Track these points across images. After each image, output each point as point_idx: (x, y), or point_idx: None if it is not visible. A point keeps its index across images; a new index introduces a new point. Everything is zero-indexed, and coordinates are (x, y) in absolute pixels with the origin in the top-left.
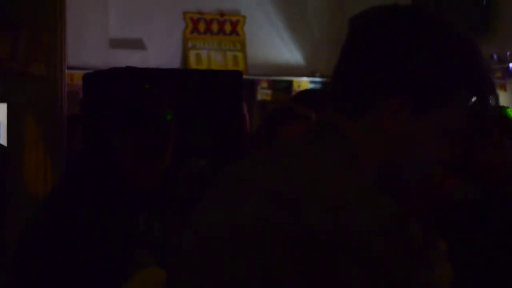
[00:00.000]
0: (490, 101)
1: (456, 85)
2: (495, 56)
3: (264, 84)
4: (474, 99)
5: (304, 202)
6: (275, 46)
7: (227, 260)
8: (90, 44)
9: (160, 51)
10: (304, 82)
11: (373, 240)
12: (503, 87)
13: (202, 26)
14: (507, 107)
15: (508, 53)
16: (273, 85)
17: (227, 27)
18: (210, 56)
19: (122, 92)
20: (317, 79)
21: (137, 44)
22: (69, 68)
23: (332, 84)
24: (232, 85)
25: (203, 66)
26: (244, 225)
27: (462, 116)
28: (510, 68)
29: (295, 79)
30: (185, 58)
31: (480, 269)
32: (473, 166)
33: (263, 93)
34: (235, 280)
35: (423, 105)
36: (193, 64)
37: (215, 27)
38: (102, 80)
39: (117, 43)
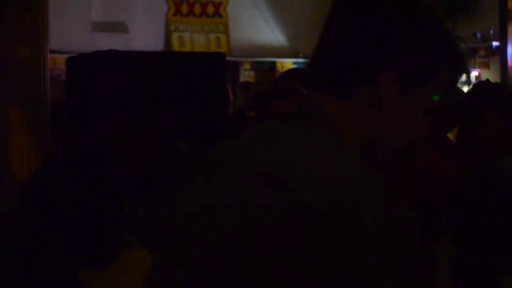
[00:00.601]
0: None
1: (438, 63)
2: (478, 35)
3: (247, 66)
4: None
5: (299, 184)
6: (258, 28)
7: (225, 244)
8: (73, 27)
9: (143, 34)
10: (287, 63)
11: (367, 216)
12: (487, 65)
13: (184, 9)
14: (501, 85)
15: (491, 31)
16: (256, 66)
17: (210, 9)
18: (193, 39)
19: (107, 74)
20: (300, 60)
21: (119, 27)
22: (52, 52)
23: (315, 64)
24: (215, 67)
25: (186, 48)
26: (241, 209)
27: (440, 94)
28: (493, 47)
29: (279, 60)
30: (168, 40)
31: (479, 245)
32: (467, 146)
33: (246, 75)
34: (234, 265)
35: (411, 83)
36: (176, 46)
37: (197, 9)
38: (85, 64)
39: (100, 27)
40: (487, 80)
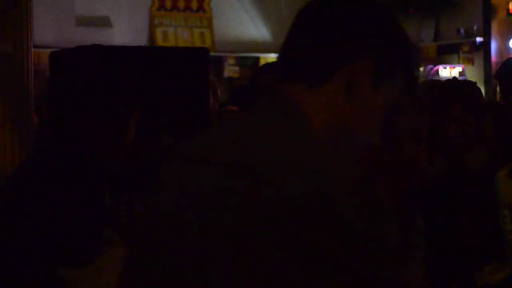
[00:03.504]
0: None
1: (401, 61)
2: (462, 31)
3: (231, 61)
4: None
5: (274, 173)
6: (242, 23)
7: (199, 237)
8: (57, 22)
9: (127, 29)
10: (271, 58)
11: (342, 203)
12: (471, 61)
13: (168, 3)
14: (469, 82)
15: (475, 27)
16: (240, 61)
17: (194, 4)
18: (177, 33)
19: (88, 70)
20: None
21: (103, 22)
22: (35, 46)
23: (286, 54)
24: (199, 62)
25: (170, 43)
26: (216, 200)
27: (397, 95)
28: (477, 42)
29: (262, 56)
30: (151, 35)
31: (446, 241)
32: (435, 142)
33: (230, 70)
34: (211, 257)
35: (380, 77)
36: (160, 41)
37: (181, 3)
38: (68, 58)
39: (83, 21)
40: (454, 77)
